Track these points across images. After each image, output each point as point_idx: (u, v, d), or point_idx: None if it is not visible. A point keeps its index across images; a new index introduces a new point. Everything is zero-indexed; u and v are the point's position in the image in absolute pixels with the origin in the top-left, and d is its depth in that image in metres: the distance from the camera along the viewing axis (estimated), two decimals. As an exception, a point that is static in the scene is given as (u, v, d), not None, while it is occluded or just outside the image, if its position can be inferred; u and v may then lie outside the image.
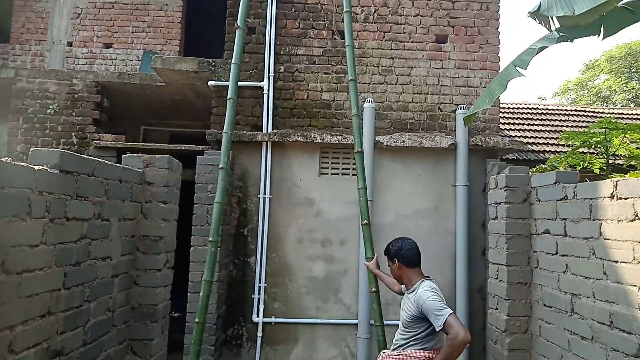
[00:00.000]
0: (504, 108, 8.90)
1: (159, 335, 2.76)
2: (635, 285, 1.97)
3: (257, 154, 4.85)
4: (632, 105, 16.58)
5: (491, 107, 5.06)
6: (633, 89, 17.38)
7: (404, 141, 4.78)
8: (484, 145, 4.77)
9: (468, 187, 4.70)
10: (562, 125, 8.57)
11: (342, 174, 4.90)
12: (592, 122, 7.47)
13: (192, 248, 4.30)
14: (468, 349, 4.39)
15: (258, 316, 4.56)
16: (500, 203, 2.97)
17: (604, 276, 2.16)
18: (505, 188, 2.90)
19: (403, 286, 3.00)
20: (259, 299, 4.59)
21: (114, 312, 2.46)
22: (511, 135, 7.54)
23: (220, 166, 3.81)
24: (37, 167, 1.80)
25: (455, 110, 4.92)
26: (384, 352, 2.88)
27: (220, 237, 4.26)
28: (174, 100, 6.10)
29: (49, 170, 1.87)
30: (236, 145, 4.80)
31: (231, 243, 4.73)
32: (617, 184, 2.10)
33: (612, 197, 2.14)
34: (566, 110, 9.64)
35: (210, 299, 4.19)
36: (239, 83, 4.74)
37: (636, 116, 9.25)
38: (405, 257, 2.85)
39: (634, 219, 1.98)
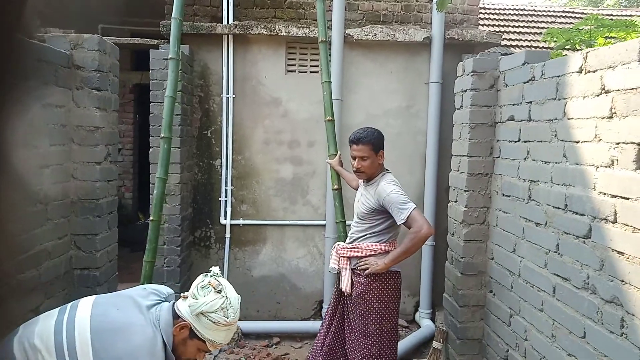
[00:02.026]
0: (486, 9, 8.37)
1: (105, 231, 2.64)
2: (593, 165, 1.85)
3: (218, 49, 4.47)
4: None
5: (471, -5, 4.69)
6: (628, -8, 16.54)
7: (375, 34, 4.43)
8: (460, 39, 4.45)
9: (441, 85, 4.46)
10: (548, 27, 8.14)
11: (311, 72, 4.59)
12: (581, 23, 7.09)
13: (150, 149, 4.09)
14: (432, 247, 4.45)
15: (226, 218, 4.50)
16: (466, 90, 2.77)
17: (564, 159, 2.04)
18: (472, 73, 2.68)
19: (361, 181, 2.89)
20: (226, 201, 4.50)
21: (47, 205, 2.31)
22: (490, 25, 7.14)
23: (170, 56, 3.49)
24: None
25: (432, 0, 4.52)
26: (338, 245, 2.84)
27: (180, 138, 4.09)
28: (128, -8, 5.52)
29: None
30: (195, 39, 4.41)
31: (194, 145, 4.53)
32: (587, 55, 1.90)
33: (580, 71, 1.95)
34: (553, 11, 9.13)
35: (173, 201, 4.12)
36: (192, -35, 4.25)
37: (626, 17, 8.81)
38: (383, 149, 2.71)
39: (600, 93, 1.81)
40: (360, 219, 2.71)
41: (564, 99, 2.06)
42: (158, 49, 4.26)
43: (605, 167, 1.80)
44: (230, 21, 4.42)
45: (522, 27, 7.97)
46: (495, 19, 8.11)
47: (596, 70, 1.86)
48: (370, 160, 2.63)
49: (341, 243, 2.87)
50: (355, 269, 2.68)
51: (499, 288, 2.64)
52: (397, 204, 2.48)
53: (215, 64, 4.50)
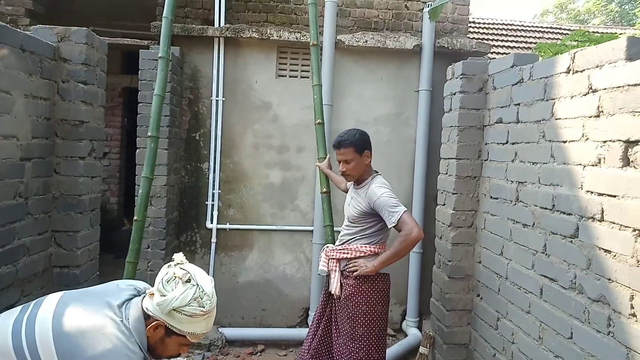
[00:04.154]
0: (476, 24, 8.51)
1: (86, 228, 2.58)
2: (580, 164, 1.85)
3: (209, 51, 4.46)
4: (611, 28, 16.25)
5: (460, 6, 4.74)
6: (612, 11, 16.97)
7: (366, 41, 4.45)
8: (450, 48, 4.50)
9: (431, 93, 4.49)
10: (536, 43, 8.29)
11: (302, 77, 4.59)
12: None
13: (137, 150, 4.04)
14: (420, 255, 4.43)
15: (212, 222, 4.44)
16: (455, 93, 2.78)
17: (551, 159, 2.04)
18: (462, 76, 2.69)
19: (350, 183, 2.86)
20: (212, 205, 4.45)
21: (27, 199, 2.24)
22: (479, 39, 7.24)
23: (159, 55, 3.45)
24: None
25: (423, 9, 4.57)
26: (327, 247, 2.81)
27: (168, 139, 4.04)
28: (120, -5, 5.50)
29: None
30: (185, 41, 4.40)
31: (182, 148, 4.49)
32: (574, 56, 1.91)
33: (568, 71, 1.96)
34: (541, 27, 9.32)
35: (158, 203, 4.06)
36: (184, -32, 4.26)
37: (612, 35, 9.01)
38: (371, 149, 2.69)
39: (587, 93, 1.82)
40: (351, 222, 2.69)
41: (552, 99, 2.07)
42: (148, 49, 4.23)
43: (593, 165, 1.80)
44: (222, 24, 4.42)
45: (511, 41, 8.11)
46: (484, 32, 8.24)
47: (583, 70, 1.87)
48: (355, 162, 2.61)
49: (331, 245, 2.84)
50: (344, 270, 2.65)
51: (487, 291, 2.62)
52: (388, 207, 2.46)
53: (205, 67, 4.48)
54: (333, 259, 2.70)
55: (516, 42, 8.09)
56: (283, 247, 4.57)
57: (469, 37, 4.86)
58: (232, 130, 4.51)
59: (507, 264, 2.40)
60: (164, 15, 3.58)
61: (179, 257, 1.56)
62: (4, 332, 1.37)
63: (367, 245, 2.61)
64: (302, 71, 4.60)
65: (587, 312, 1.79)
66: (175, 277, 1.48)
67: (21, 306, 1.51)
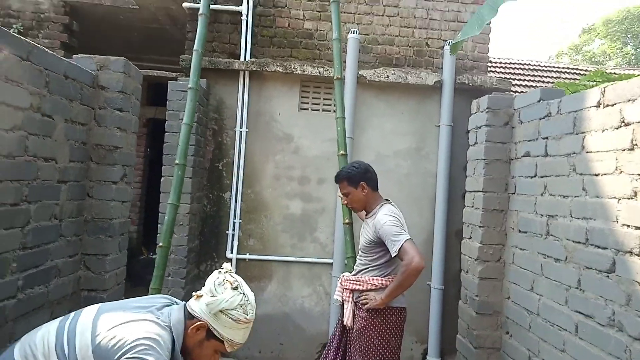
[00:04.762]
0: (494, 63, 8.64)
1: (115, 252, 2.60)
2: (614, 197, 1.84)
3: (234, 84, 4.60)
4: (626, 69, 16.35)
5: (480, 44, 4.85)
6: (627, 54, 17.11)
7: (388, 76, 4.55)
8: (470, 84, 4.57)
9: (452, 128, 4.53)
10: (553, 83, 8.37)
11: (323, 110, 4.69)
12: (585, 78, 7.29)
13: (162, 178, 4.11)
14: (441, 291, 4.34)
15: (232, 252, 4.44)
16: (480, 127, 2.81)
17: (583, 192, 2.03)
18: (487, 110, 2.72)
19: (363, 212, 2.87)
20: (233, 234, 4.46)
21: (61, 221, 2.29)
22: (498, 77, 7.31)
23: (189, 86, 3.59)
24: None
25: (444, 46, 4.68)
26: (343, 275, 2.80)
27: (192, 168, 4.11)
28: (149, 30, 5.75)
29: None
30: (212, 74, 4.54)
31: (205, 177, 4.55)
32: (604, 90, 1.93)
33: (598, 105, 1.98)
34: (558, 67, 9.42)
35: (180, 231, 4.08)
36: (214, 6, 4.45)
37: (631, 76, 9.06)
38: (371, 180, 2.72)
39: (620, 126, 1.83)
40: (363, 252, 2.69)
41: (582, 133, 2.08)
42: (176, 81, 4.38)
43: (628, 199, 1.78)
44: (248, 58, 4.56)
45: (528, 80, 8.20)
46: (501, 70, 8.35)
47: (615, 104, 1.89)
48: (352, 195, 2.69)
49: (347, 274, 2.82)
50: (357, 302, 2.63)
51: (516, 328, 2.55)
52: (391, 235, 2.46)
53: (230, 99, 4.60)
54: (347, 289, 2.69)
55: (534, 81, 8.17)
56: (302, 279, 4.53)
57: (488, 74, 4.94)
58: (254, 161, 4.58)
59: (538, 299, 2.34)
60: (194, 48, 3.74)
61: (227, 266, 1.69)
62: (47, 336, 1.47)
63: (379, 278, 2.60)
64: (323, 104, 4.70)
65: (628, 351, 1.73)
66: (226, 281, 1.57)
67: (61, 317, 1.60)
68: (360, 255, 2.75)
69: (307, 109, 4.69)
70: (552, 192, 2.28)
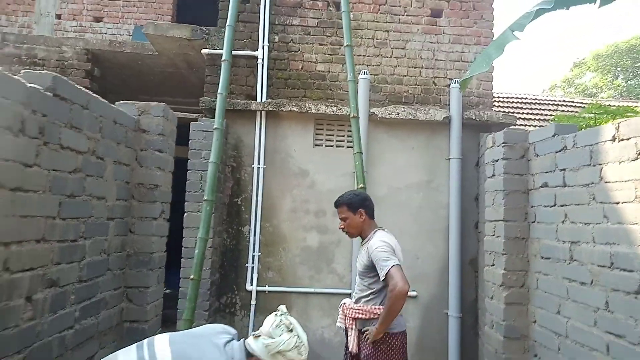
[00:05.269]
0: (494, 98, 8.97)
1: (155, 284, 2.70)
2: (637, 224, 1.98)
3: (251, 123, 4.80)
4: (617, 101, 16.85)
5: (484, 82, 5.11)
6: (619, 86, 17.69)
7: (398, 113, 4.77)
8: (478, 120, 4.79)
9: (461, 161, 4.72)
10: (551, 115, 8.67)
11: (337, 146, 4.87)
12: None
13: (185, 214, 4.23)
14: (459, 319, 4.41)
15: (252, 285, 4.52)
16: (497, 160, 2.98)
17: (605, 219, 2.17)
18: (503, 144, 2.90)
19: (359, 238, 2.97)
20: (252, 267, 4.55)
21: (109, 256, 2.40)
22: (505, 112, 7.59)
23: (215, 126, 3.78)
24: (29, 85, 1.74)
25: (450, 84, 4.93)
26: (344, 302, 2.87)
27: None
28: (166, 73, 6.01)
29: (41, 90, 1.81)
30: (230, 114, 4.74)
31: (225, 212, 4.68)
32: (619, 126, 2.11)
33: (613, 139, 2.15)
34: (555, 100, 9.76)
35: (203, 265, 4.17)
36: (233, 52, 4.70)
37: (628, 108, 9.39)
38: (369, 208, 2.86)
39: (636, 158, 1.99)
40: (360, 277, 2.79)
41: (599, 164, 2.25)
42: (196, 121, 4.57)
43: (649, 224, 1.93)
44: (264, 99, 4.78)
45: (527, 113, 8.48)
46: (500, 104, 8.65)
47: (630, 138, 2.07)
48: (350, 220, 2.81)
49: (347, 300, 2.90)
50: (360, 330, 2.71)
51: (545, 351, 2.63)
52: (380, 261, 2.57)
53: (248, 137, 4.79)
54: (350, 317, 2.76)
55: (532, 114, 8.47)
56: (320, 310, 4.58)
57: (494, 110, 5.17)
58: (272, 196, 4.72)
59: (566, 322, 2.44)
60: (219, 91, 3.96)
61: (283, 308, 1.85)
62: None
63: (380, 307, 2.67)
64: (337, 141, 4.89)
65: (660, 367, 1.83)
66: (282, 324, 1.74)
67: (133, 346, 1.70)
68: (358, 282, 2.84)
69: (322, 145, 4.87)
70: (573, 220, 2.43)
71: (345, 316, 2.81)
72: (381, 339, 2.60)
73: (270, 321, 1.77)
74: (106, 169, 2.36)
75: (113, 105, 2.47)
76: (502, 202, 2.89)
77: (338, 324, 2.88)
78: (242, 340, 1.78)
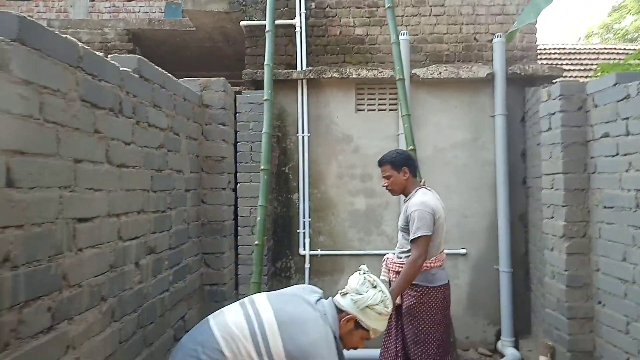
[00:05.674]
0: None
1: (228, 250, 2.89)
2: None
3: (293, 93, 4.86)
4: (659, 45, 15.94)
5: (528, 34, 4.98)
6: (661, 28, 16.69)
7: (440, 73, 4.73)
8: (522, 74, 4.70)
9: (506, 117, 4.68)
10: (591, 65, 8.36)
11: (379, 110, 4.90)
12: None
13: (238, 184, 4.40)
14: (510, 274, 4.49)
15: (304, 249, 4.70)
16: (554, 113, 2.97)
17: (673, 165, 2.18)
18: (560, 97, 2.89)
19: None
20: (304, 232, 4.72)
21: (189, 225, 2.58)
22: (550, 64, 7.39)
23: (265, 98, 3.87)
24: (122, 68, 1.86)
25: (492, 39, 4.83)
26: (387, 257, 2.98)
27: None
28: (202, 48, 6.09)
29: (130, 72, 1.93)
30: (273, 85, 4.80)
31: (273, 181, 4.82)
32: (690, 69, 2.08)
33: (683, 84, 2.13)
34: (595, 49, 9.38)
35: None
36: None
37: (669, 50, 8.95)
38: (412, 166, 2.92)
39: None
40: (401, 232, 2.86)
41: (667, 110, 2.23)
42: (241, 94, 4.67)
43: None
44: (304, 67, 4.82)
45: (566, 64, 8.21)
46: (539, 57, 8.38)
47: (701, 80, 2.04)
48: (394, 178, 2.87)
49: (390, 255, 2.99)
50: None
51: (609, 298, 2.70)
52: (414, 224, 2.65)
53: (291, 107, 4.87)
54: (393, 271, 2.87)
55: (572, 64, 8.19)
56: (372, 271, 4.67)
57: (539, 63, 5.06)
58: (317, 163, 4.83)
59: (632, 268, 2.49)
60: (265, 63, 4.02)
61: (364, 267, 1.96)
62: (240, 322, 1.74)
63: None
64: (379, 104, 4.91)
65: None
66: (367, 281, 1.86)
67: (236, 304, 1.86)
68: (399, 237, 2.92)
69: (364, 110, 4.91)
70: (638, 168, 2.43)
71: (389, 270, 2.93)
72: (424, 291, 2.72)
73: (355, 279, 1.90)
74: (181, 143, 2.50)
75: (181, 83, 2.58)
76: (561, 155, 2.91)
77: (382, 277, 2.99)
78: (329, 298, 1.92)
